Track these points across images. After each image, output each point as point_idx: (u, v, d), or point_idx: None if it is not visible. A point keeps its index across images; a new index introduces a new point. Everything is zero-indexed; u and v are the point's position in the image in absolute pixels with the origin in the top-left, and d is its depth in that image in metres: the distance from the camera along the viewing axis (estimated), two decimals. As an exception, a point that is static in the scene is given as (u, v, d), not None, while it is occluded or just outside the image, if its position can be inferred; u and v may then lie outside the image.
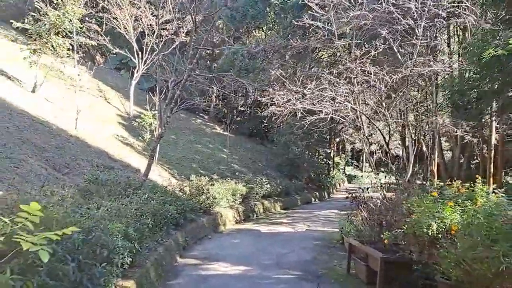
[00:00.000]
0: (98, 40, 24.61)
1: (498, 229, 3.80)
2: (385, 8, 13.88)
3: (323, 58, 28.63)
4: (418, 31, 14.08)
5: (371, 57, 14.06)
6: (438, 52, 17.41)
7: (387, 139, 16.43)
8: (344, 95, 13.91)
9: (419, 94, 17.49)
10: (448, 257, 4.18)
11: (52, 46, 15.05)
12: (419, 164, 24.09)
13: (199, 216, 11.37)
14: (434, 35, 15.51)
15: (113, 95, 23.41)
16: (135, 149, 16.02)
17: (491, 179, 14.33)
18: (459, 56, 16.82)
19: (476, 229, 3.98)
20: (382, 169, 35.44)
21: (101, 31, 24.66)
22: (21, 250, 2.58)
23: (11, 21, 15.56)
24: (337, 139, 39.94)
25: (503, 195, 4.95)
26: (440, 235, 4.60)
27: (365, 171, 50.55)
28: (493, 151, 15.31)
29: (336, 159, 38.50)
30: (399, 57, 14.32)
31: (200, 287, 6.09)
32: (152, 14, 23.08)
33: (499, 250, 3.58)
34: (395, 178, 17.52)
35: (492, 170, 15.02)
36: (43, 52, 15.02)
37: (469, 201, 4.99)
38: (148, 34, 23.34)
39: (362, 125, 16.07)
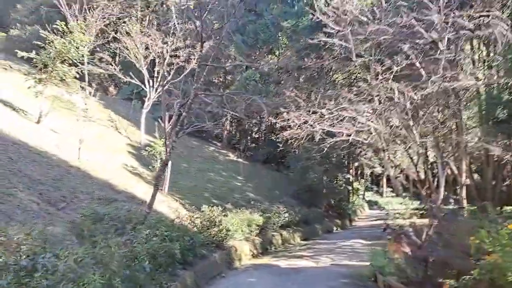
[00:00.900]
0: (108, 70, 24.36)
1: None
2: (405, 22, 13.01)
3: (338, 80, 27.76)
4: (442, 44, 13.12)
5: (393, 73, 13.10)
6: (462, 66, 16.34)
7: (415, 160, 15.23)
8: (366, 114, 12.87)
9: (445, 111, 16.30)
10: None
11: (58, 74, 14.52)
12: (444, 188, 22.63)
13: (211, 251, 10.26)
14: (460, 48, 14.53)
15: (124, 125, 22.84)
16: (144, 179, 15.11)
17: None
18: (488, 68, 15.62)
19: None
20: (404, 193, 33.84)
21: (112, 60, 24.42)
22: None
23: (15, 50, 15.11)
24: (356, 164, 38.55)
25: None
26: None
27: (385, 196, 48.67)
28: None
29: (355, 184, 36.95)
30: (422, 72, 13.28)
31: None
32: (162, 41, 22.73)
33: None
34: (424, 203, 16.16)
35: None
36: (48, 81, 14.49)
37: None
38: (159, 62, 22.90)
39: (386, 147, 14.91)
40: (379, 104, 13.33)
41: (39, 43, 14.82)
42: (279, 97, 23.23)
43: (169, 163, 14.80)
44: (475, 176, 24.55)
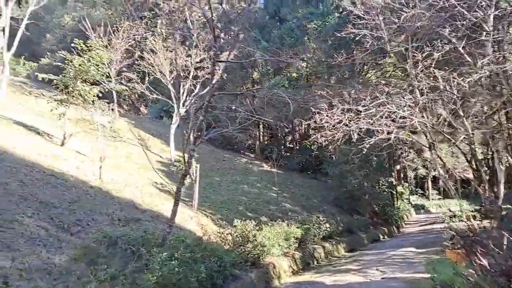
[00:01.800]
0: (135, 89, 24.25)
1: None
2: (444, 2, 11.67)
3: (371, 78, 26.26)
4: (487, 25, 11.64)
5: (434, 60, 11.72)
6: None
7: (468, 156, 13.62)
8: (407, 108, 11.52)
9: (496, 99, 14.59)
10: None
11: (80, 94, 14.14)
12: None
13: (246, 270, 9.23)
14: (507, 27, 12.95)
15: (154, 143, 22.44)
16: (172, 195, 14.38)
17: None
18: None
19: None
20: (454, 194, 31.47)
21: (141, 80, 24.31)
22: None
23: (36, 73, 14.94)
24: (397, 167, 36.45)
25: None
26: None
27: (432, 199, 45.90)
28: None
29: (399, 188, 34.83)
30: (467, 58, 11.80)
31: None
32: (186, 54, 22.29)
33: None
34: (480, 203, 14.45)
35: None
36: (70, 102, 14.13)
37: None
38: (185, 76, 22.48)
39: (432, 143, 13.41)
40: (422, 95, 11.96)
41: (59, 63, 14.56)
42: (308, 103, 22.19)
43: (197, 177, 14.00)
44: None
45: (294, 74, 29.54)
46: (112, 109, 26.89)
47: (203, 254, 7.20)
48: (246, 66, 28.35)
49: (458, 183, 35.05)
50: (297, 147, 31.87)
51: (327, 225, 15.66)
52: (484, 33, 11.65)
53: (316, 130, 12.69)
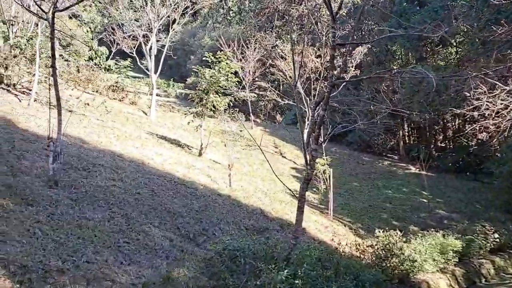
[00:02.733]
0: (268, 97, 24.54)
1: None
2: None
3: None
4: None
5: None
6: None
7: None
8: None
9: None
10: None
11: (213, 105, 14.62)
12: None
13: (391, 290, 7.78)
14: None
15: (288, 149, 22.18)
16: (308, 203, 13.61)
17: None
18: None
19: None
20: None
21: (270, 87, 24.53)
22: None
23: (176, 91, 15.97)
24: None
25: None
26: None
27: None
28: None
29: None
30: None
31: None
32: (316, 55, 21.57)
33: None
34: None
35: None
36: (204, 114, 14.71)
37: None
38: (314, 78, 21.78)
39: None
40: None
41: (197, 79, 15.39)
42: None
43: (331, 182, 12.94)
44: None
45: (441, 63, 26.01)
46: (248, 119, 27.87)
47: (337, 270, 6.13)
48: (383, 60, 26.15)
49: None
50: (451, 145, 27.89)
51: (496, 236, 12.76)
52: None
53: (473, 123, 10.40)
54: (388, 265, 8.36)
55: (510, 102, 8.66)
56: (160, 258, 5.76)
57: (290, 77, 22.03)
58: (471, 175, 23.24)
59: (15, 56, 12.11)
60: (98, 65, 30.38)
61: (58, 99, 6.90)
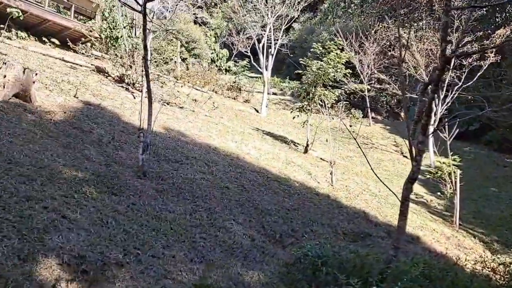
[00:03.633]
0: (386, 90, 22.55)
1: None
2: None
3: None
4: None
5: None
6: None
7: None
8: None
9: None
10: None
11: (320, 99, 13.74)
12: None
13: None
14: None
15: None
16: (429, 208, 11.85)
17: None
18: None
19: None
20: None
21: (390, 80, 22.42)
22: None
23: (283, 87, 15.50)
24: None
25: None
26: None
27: None
28: None
29: None
30: None
31: None
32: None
33: None
34: None
35: None
36: (311, 108, 13.91)
37: None
38: (447, 68, 19.24)
39: None
40: None
41: (299, 72, 14.70)
42: None
43: (458, 186, 10.92)
44: None
45: None
46: (366, 115, 26.02)
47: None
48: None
49: None
50: None
51: None
52: None
53: None
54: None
55: None
56: (236, 258, 5.23)
57: (414, 67, 19.89)
58: None
59: (132, 56, 13.06)
60: (218, 67, 31.97)
61: (149, 90, 6.94)
